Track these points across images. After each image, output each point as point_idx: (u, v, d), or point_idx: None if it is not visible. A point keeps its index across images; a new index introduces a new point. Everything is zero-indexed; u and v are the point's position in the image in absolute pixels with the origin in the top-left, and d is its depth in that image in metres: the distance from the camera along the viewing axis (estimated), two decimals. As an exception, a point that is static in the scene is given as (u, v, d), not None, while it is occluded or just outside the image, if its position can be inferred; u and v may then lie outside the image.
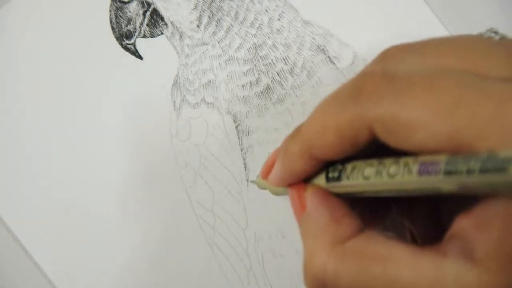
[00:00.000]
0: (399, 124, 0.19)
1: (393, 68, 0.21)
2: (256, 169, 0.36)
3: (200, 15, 0.36)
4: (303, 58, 0.37)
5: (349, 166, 0.22)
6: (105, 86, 0.38)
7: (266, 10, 0.36)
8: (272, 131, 0.36)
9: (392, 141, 0.20)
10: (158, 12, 0.37)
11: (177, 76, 0.37)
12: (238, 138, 0.36)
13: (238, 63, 0.36)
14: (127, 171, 0.37)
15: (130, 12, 0.37)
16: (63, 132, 0.37)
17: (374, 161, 0.21)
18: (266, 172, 0.26)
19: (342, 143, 0.21)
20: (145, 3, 0.37)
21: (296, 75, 0.36)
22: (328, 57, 0.37)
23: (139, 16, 0.37)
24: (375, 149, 0.21)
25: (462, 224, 0.19)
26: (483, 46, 0.21)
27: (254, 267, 0.36)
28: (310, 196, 0.24)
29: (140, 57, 0.37)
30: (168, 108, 0.37)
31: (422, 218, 0.27)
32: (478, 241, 0.18)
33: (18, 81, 0.38)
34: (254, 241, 0.36)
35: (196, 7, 0.36)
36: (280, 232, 0.37)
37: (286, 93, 0.36)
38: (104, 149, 0.37)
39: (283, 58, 0.36)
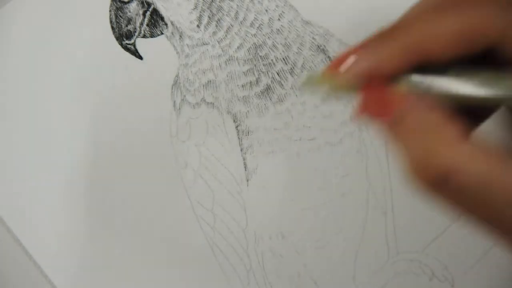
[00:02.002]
0: None
1: None
2: (256, 169, 0.36)
3: (200, 15, 0.36)
4: (303, 58, 0.37)
5: (450, 73, 0.21)
6: (105, 86, 0.38)
7: (266, 10, 0.36)
8: (272, 131, 0.36)
9: None
10: (158, 12, 0.37)
11: (177, 76, 0.37)
12: (238, 138, 0.36)
13: (238, 63, 0.36)
14: (127, 171, 0.37)
15: (130, 12, 0.37)
16: (63, 132, 0.37)
17: (480, 72, 0.20)
18: (339, 63, 0.23)
19: (458, 46, 0.20)
20: (145, 3, 0.37)
21: (296, 75, 0.36)
22: (328, 57, 0.37)
23: (139, 16, 0.37)
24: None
25: None
26: None
27: (254, 267, 0.36)
28: (405, 95, 0.22)
29: (140, 57, 0.37)
30: (168, 108, 0.37)
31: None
32: None
33: (18, 81, 0.38)
34: (254, 241, 0.36)
35: (196, 7, 0.36)
36: (280, 232, 0.37)
37: (286, 93, 0.36)
38: (104, 149, 0.37)
39: (283, 58, 0.36)
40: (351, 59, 0.23)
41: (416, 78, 0.22)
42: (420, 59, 0.22)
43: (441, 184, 0.20)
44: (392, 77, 0.22)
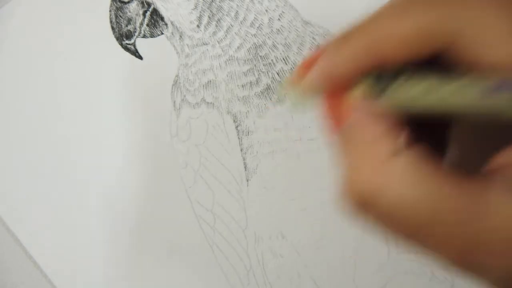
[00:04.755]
0: (489, 32, 0.18)
1: None
2: (256, 169, 0.36)
3: (200, 15, 0.36)
4: (303, 58, 0.37)
5: (401, 78, 0.20)
6: (105, 86, 0.38)
7: (266, 10, 0.36)
8: (272, 131, 0.36)
9: (473, 53, 0.19)
10: (158, 12, 0.37)
11: (177, 76, 0.37)
12: (238, 138, 0.36)
13: (238, 63, 0.36)
14: (127, 171, 0.37)
15: (130, 12, 0.37)
16: (63, 132, 0.37)
17: (433, 75, 0.20)
18: (305, 69, 0.23)
19: (411, 48, 0.20)
20: (145, 3, 0.37)
21: (296, 75, 0.36)
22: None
23: (139, 16, 0.37)
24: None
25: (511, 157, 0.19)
26: None
27: (254, 267, 0.36)
28: (354, 106, 0.22)
29: (140, 57, 0.37)
30: (168, 108, 0.37)
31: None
32: None
33: (18, 80, 0.38)
34: (254, 241, 0.36)
35: (196, 7, 0.36)
36: (280, 232, 0.37)
37: (286, 93, 0.36)
38: (104, 149, 0.37)
39: (283, 58, 0.36)
40: (312, 64, 0.22)
41: (372, 83, 0.21)
42: (376, 61, 0.21)
43: (364, 206, 0.20)
44: (351, 83, 0.22)
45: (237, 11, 0.36)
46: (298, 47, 0.37)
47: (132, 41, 0.37)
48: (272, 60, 0.36)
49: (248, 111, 0.36)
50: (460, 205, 0.18)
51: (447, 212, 0.19)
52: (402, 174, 0.20)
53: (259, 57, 0.36)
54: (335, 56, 0.22)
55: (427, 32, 0.20)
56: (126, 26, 0.37)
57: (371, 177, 0.20)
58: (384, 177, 0.20)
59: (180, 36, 0.37)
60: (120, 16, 0.37)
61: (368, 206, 0.20)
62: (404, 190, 0.19)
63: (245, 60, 0.36)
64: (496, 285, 0.19)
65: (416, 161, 0.20)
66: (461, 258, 0.19)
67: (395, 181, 0.20)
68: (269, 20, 0.36)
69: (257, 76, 0.36)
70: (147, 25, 0.37)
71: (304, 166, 0.37)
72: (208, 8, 0.36)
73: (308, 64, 0.22)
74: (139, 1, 0.37)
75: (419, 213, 0.19)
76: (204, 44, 0.37)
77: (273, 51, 0.36)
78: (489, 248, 0.18)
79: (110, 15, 0.37)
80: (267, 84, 0.36)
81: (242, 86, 0.36)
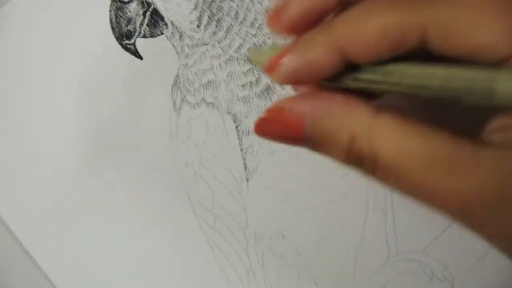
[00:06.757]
0: (460, 22, 0.18)
1: None
2: (256, 169, 0.36)
3: (200, 15, 0.36)
4: (303, 58, 0.37)
5: (389, 67, 0.21)
6: (104, 86, 0.38)
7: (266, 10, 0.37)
8: (272, 131, 0.36)
9: (447, 43, 0.19)
10: (158, 12, 0.37)
11: (177, 76, 0.37)
12: (238, 138, 0.36)
13: (238, 63, 0.36)
14: (127, 171, 0.37)
15: (130, 12, 0.37)
16: (63, 132, 0.37)
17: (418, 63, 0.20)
18: (274, 62, 0.23)
19: (383, 45, 0.20)
20: (145, 3, 0.37)
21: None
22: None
23: (139, 16, 0.37)
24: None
25: (506, 121, 0.19)
26: None
27: (254, 267, 0.37)
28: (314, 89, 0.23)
29: (140, 57, 0.37)
30: (168, 108, 0.37)
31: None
32: None
33: (18, 81, 0.38)
34: (254, 241, 0.36)
35: (196, 7, 0.36)
36: (280, 232, 0.37)
37: (286, 93, 0.36)
38: (104, 148, 0.37)
39: (283, 58, 0.36)
40: (282, 59, 0.23)
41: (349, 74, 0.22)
42: (343, 60, 0.22)
43: (365, 166, 0.21)
44: (328, 73, 0.22)
45: (237, 11, 0.36)
46: (298, 47, 0.37)
47: (132, 41, 0.37)
48: (272, 60, 0.36)
49: (248, 111, 0.36)
50: (455, 155, 0.19)
51: (444, 162, 0.19)
52: (393, 130, 0.20)
53: (259, 57, 0.36)
54: (304, 53, 0.22)
55: (393, 32, 0.20)
56: (126, 26, 0.37)
57: (363, 133, 0.21)
58: (377, 133, 0.20)
59: (180, 36, 0.37)
60: (120, 16, 0.37)
61: (368, 166, 0.21)
62: (398, 143, 0.20)
63: (245, 60, 0.36)
64: (492, 242, 0.19)
65: (398, 119, 0.20)
66: (461, 212, 0.19)
67: (388, 136, 0.20)
68: (269, 20, 0.36)
69: (257, 76, 0.36)
70: (147, 25, 0.37)
71: (304, 166, 0.37)
72: (208, 8, 0.36)
73: (278, 58, 0.23)
74: (139, 1, 0.37)
75: (418, 164, 0.19)
76: (204, 44, 0.37)
77: (273, 51, 0.36)
78: (485, 201, 0.18)
79: (110, 15, 0.37)
80: (267, 84, 0.36)
81: (242, 86, 0.36)
